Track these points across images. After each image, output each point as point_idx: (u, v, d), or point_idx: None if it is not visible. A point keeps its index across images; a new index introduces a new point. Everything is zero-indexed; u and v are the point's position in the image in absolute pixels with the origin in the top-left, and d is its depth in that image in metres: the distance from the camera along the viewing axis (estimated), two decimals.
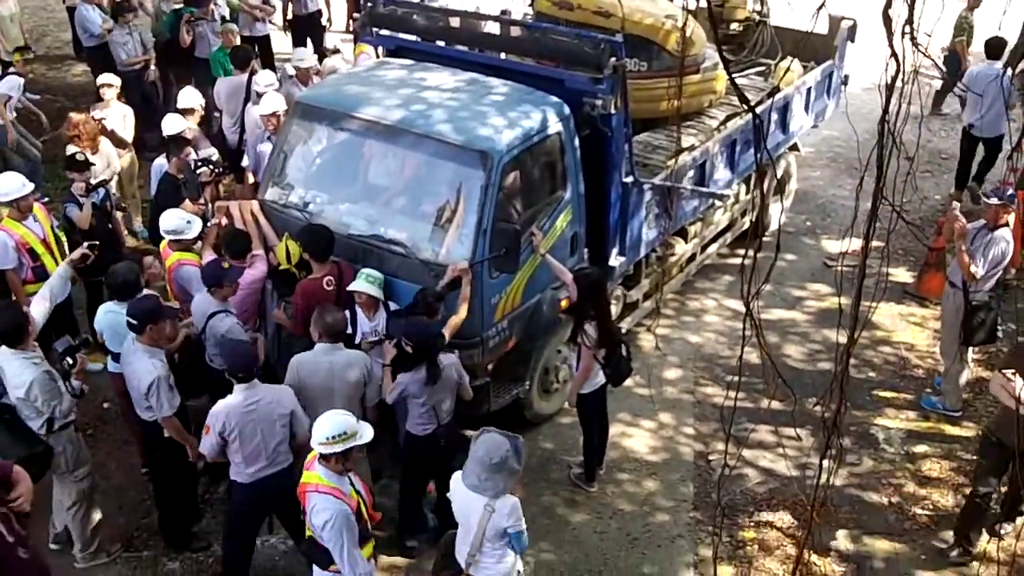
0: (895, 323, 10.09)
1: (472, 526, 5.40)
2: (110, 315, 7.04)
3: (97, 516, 7.00)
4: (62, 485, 6.76)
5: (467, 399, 6.90)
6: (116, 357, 6.97)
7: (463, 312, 6.91)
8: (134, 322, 6.41)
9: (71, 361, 6.50)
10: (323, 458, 5.47)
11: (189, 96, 10.17)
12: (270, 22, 14.20)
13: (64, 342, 6.56)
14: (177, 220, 7.63)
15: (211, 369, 7.03)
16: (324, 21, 15.51)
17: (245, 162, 9.77)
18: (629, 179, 8.26)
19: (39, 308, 6.81)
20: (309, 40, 14.18)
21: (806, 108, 11.25)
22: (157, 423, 6.59)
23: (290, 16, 14.77)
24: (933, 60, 3.31)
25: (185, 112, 9.92)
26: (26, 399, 6.21)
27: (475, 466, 5.32)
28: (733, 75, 6.34)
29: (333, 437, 5.39)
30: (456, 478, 5.49)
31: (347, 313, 6.99)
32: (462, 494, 5.42)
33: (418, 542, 7.14)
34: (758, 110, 3.93)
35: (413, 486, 7.07)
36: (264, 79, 10.54)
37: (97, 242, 7.55)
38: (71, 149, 9.47)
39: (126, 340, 6.61)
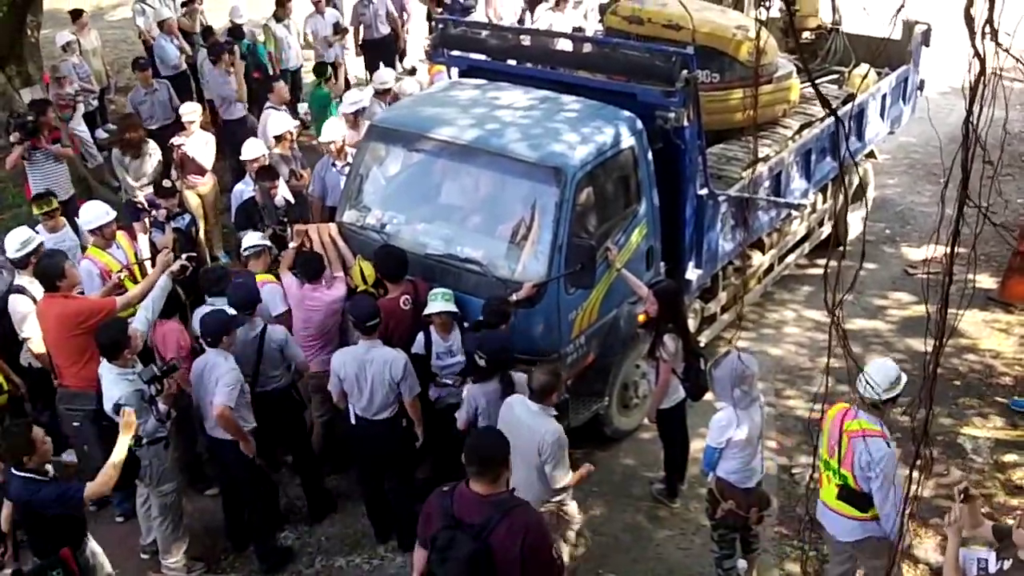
0: (980, 330, 9.85)
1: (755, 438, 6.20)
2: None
3: (180, 532, 7.14)
4: (151, 497, 7.00)
5: None
6: None
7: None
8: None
9: (157, 387, 6.66)
10: (874, 406, 5.75)
11: (280, 122, 10.28)
12: (344, 47, 14.47)
13: (149, 371, 6.67)
14: (252, 242, 7.84)
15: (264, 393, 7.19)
16: (401, 43, 15.66)
17: (311, 189, 9.90)
18: (704, 191, 8.22)
19: (143, 318, 6.99)
20: (381, 64, 14.41)
21: (882, 115, 11.07)
22: (232, 442, 6.78)
23: (361, 40, 15.03)
24: (1017, 59, 3.23)
25: (277, 139, 10.07)
26: (116, 413, 6.40)
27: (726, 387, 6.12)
28: (810, 82, 6.28)
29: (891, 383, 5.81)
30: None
31: (421, 334, 7.09)
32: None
33: None
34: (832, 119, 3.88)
35: None
36: (349, 97, 10.74)
37: (195, 254, 7.83)
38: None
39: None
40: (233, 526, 7.39)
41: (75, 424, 7.10)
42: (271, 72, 13.63)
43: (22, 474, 5.66)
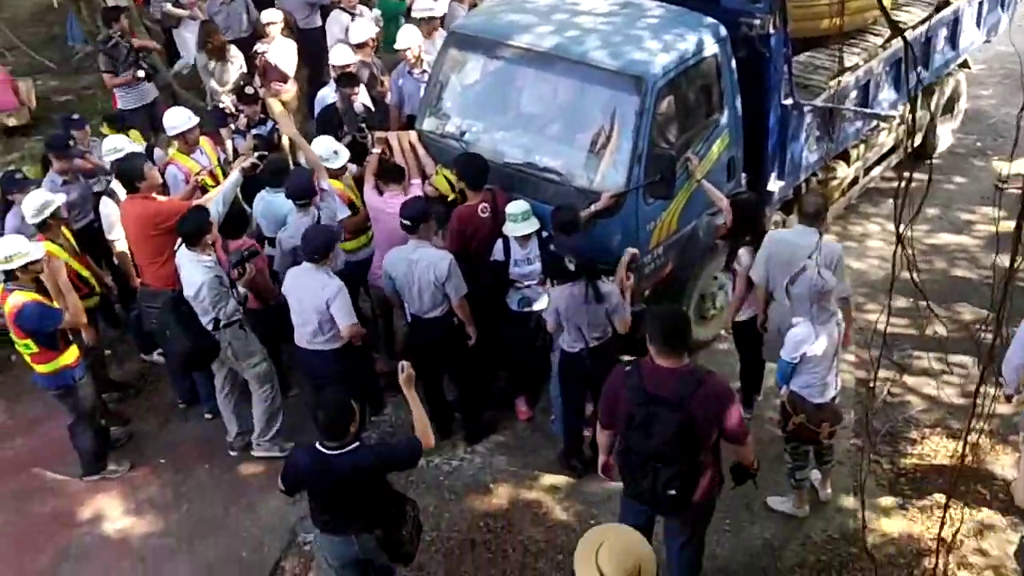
0: None
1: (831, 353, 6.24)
2: (263, 202, 7.68)
3: (278, 401, 7.47)
4: (242, 374, 7.32)
5: (622, 332, 6.87)
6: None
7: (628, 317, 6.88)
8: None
9: (242, 270, 7.10)
10: None
11: (363, 29, 10.20)
12: None
13: (237, 254, 7.15)
14: (324, 148, 7.84)
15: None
16: None
17: (388, 98, 9.88)
18: (788, 101, 8.05)
19: (214, 211, 7.21)
20: None
21: (977, 22, 10.64)
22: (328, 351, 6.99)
23: None
24: None
25: (358, 47, 10.02)
26: (195, 298, 6.83)
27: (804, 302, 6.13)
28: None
29: None
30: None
31: (500, 242, 7.13)
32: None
33: (580, 463, 7.24)
34: (920, 29, 3.75)
35: (569, 404, 7.12)
36: (420, 4, 10.62)
37: (266, 152, 8.05)
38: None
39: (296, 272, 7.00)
40: None
41: (154, 322, 7.40)
42: None
43: None
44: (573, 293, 6.53)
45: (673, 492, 5.13)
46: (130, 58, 10.48)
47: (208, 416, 7.96)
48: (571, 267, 6.50)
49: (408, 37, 9.62)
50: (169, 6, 12.29)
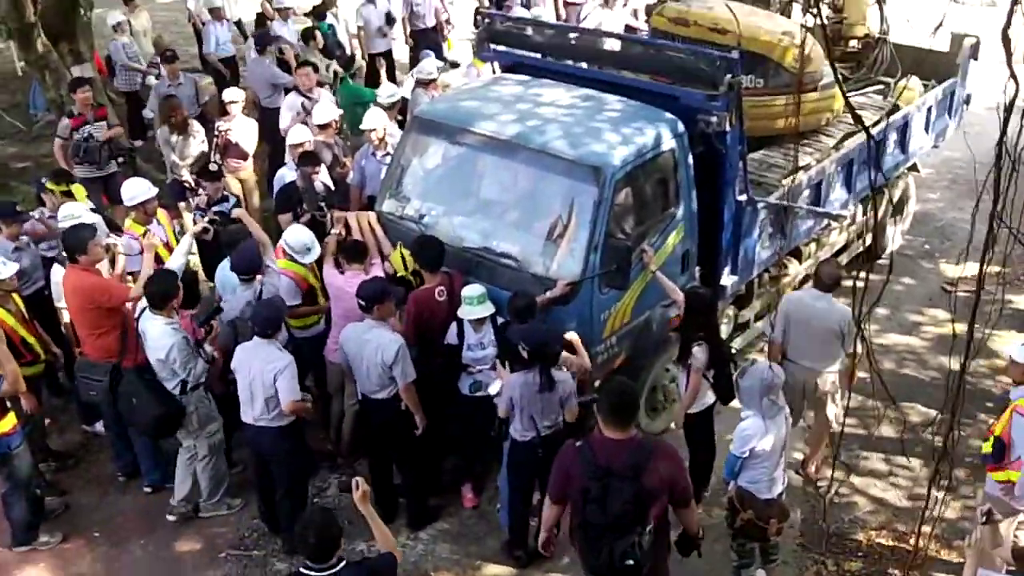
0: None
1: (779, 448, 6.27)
2: (221, 271, 7.82)
3: (224, 468, 7.54)
4: (195, 441, 7.31)
5: (571, 420, 6.86)
6: None
7: (586, 361, 7.01)
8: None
9: (208, 328, 7.22)
10: None
11: (326, 111, 10.31)
12: (392, 37, 14.48)
13: (202, 313, 7.31)
14: (298, 241, 7.80)
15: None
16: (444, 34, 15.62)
17: (350, 178, 9.92)
18: (743, 197, 8.20)
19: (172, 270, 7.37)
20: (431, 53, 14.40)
21: (926, 128, 10.96)
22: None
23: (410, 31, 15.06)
24: None
25: (321, 127, 10.11)
26: (165, 361, 6.88)
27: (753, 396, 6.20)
28: (850, 94, 6.26)
29: None
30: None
31: (454, 325, 7.13)
32: None
33: (525, 554, 7.16)
34: (874, 130, 3.92)
35: (517, 493, 7.05)
36: (385, 91, 10.82)
37: (217, 218, 8.36)
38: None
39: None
40: (267, 508, 7.42)
41: (91, 393, 7.44)
42: (349, 52, 13.78)
43: None
44: (527, 381, 6.53)
45: (631, 563, 5.20)
46: (103, 152, 10.52)
47: (147, 490, 7.84)
48: (524, 354, 6.51)
49: (374, 119, 9.73)
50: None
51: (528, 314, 6.82)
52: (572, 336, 6.97)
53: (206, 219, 8.07)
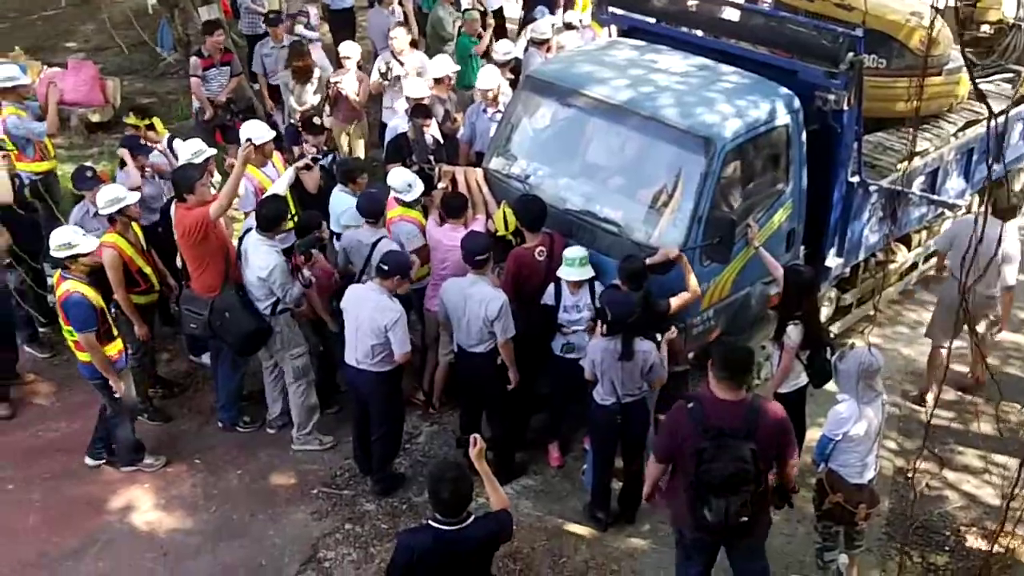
0: None
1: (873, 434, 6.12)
2: (334, 196, 8.33)
3: (314, 400, 7.77)
4: (282, 364, 7.61)
5: (656, 386, 6.92)
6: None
7: (693, 288, 7.04)
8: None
9: (308, 256, 7.46)
10: None
11: (443, 65, 10.38)
12: None
13: (308, 240, 7.52)
14: (400, 180, 8.00)
15: None
16: None
17: (461, 133, 10.03)
18: (855, 179, 8.04)
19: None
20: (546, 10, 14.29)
21: None
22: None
23: None
24: None
25: (436, 81, 10.17)
26: (265, 280, 7.18)
27: (850, 379, 6.07)
28: (978, 79, 6.07)
29: None
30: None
31: (552, 285, 7.19)
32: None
33: (606, 516, 7.21)
34: (1001, 119, 3.81)
35: (599, 456, 7.11)
36: (502, 48, 10.86)
37: (318, 156, 8.72)
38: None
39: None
40: (362, 449, 7.60)
41: (192, 326, 7.67)
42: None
43: None
44: (608, 347, 6.58)
45: (745, 519, 5.38)
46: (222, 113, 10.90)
47: (220, 424, 8.15)
48: (606, 320, 6.57)
49: (490, 77, 9.79)
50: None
51: (639, 278, 6.82)
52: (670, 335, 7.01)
53: (309, 157, 8.51)
